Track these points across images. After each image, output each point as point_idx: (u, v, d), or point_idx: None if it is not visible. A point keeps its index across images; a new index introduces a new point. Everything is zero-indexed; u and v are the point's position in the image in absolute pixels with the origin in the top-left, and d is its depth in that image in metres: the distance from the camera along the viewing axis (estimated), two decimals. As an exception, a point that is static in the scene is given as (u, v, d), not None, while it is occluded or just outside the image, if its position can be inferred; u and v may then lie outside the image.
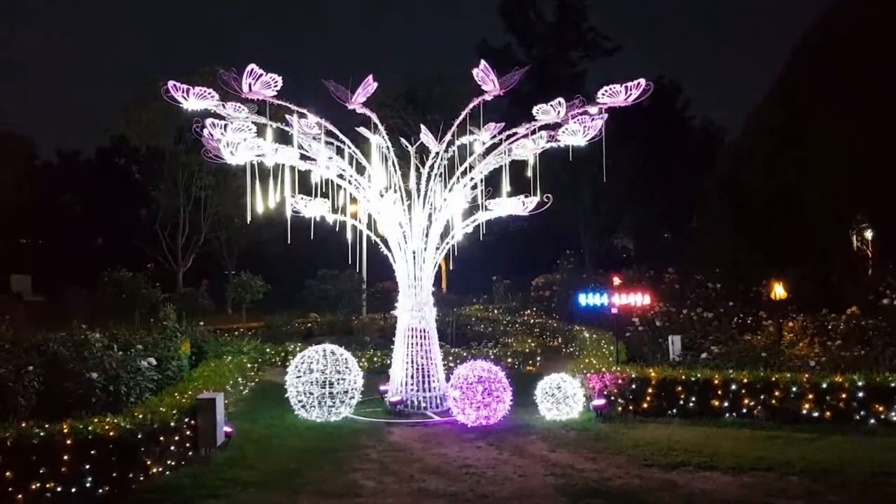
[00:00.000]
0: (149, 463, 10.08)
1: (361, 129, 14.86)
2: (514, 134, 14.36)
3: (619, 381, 13.75)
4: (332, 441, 12.33)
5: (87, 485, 9.50)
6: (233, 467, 10.71)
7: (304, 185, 14.54)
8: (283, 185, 13.93)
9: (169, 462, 10.52)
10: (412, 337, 14.64)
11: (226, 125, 13.33)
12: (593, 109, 13.59)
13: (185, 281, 37.96)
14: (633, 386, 13.69)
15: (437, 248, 15.12)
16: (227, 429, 11.99)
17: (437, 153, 14.62)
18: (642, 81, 12.99)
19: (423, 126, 14.96)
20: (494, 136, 14.48)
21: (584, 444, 11.82)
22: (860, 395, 12.53)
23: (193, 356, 16.20)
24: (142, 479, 9.92)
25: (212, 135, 13.41)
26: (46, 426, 9.68)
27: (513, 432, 12.67)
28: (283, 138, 14.16)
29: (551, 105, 13.57)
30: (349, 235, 15.15)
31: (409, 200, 14.89)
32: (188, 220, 38.29)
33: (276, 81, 12.76)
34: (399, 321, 15.00)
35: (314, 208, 14.35)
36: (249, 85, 12.61)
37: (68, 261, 45.11)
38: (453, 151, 14.78)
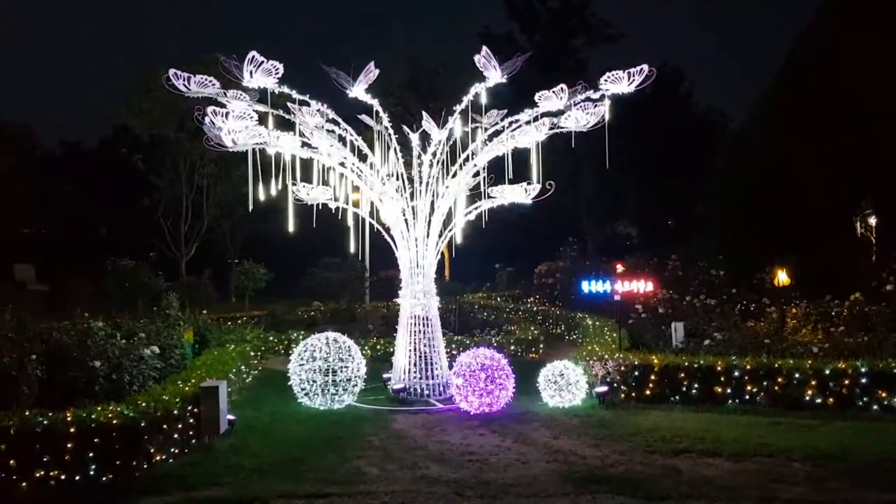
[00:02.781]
0: (152, 451, 10.10)
1: (363, 117, 14.82)
2: (517, 121, 14.31)
3: (622, 368, 13.76)
4: (335, 429, 12.35)
5: (91, 472, 9.54)
6: (236, 455, 10.74)
7: (306, 172, 14.51)
8: (285, 172, 13.91)
9: (172, 450, 10.55)
10: (415, 325, 14.65)
11: (227, 113, 13.29)
12: (596, 96, 13.54)
13: (188, 269, 37.98)
14: (636, 373, 13.69)
15: (440, 236, 15.11)
16: (231, 416, 12.02)
17: (440, 140, 14.59)
18: (645, 68, 12.93)
19: (424, 113, 14.93)
20: (496, 124, 14.44)
21: (586, 431, 11.83)
22: (863, 381, 12.53)
23: (196, 344, 16.21)
24: (145, 466, 9.94)
25: (213, 123, 13.37)
26: (50, 414, 9.72)
27: (516, 419, 12.69)
28: (286, 126, 14.13)
29: (553, 92, 13.52)
30: (351, 223, 15.15)
31: (411, 188, 14.87)
32: (191, 209, 38.28)
33: (278, 69, 12.72)
34: (402, 309, 15.00)
35: (316, 196, 14.33)
36: (251, 72, 12.56)
37: (71, 250, 45.13)
38: (455, 139, 14.74)
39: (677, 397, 13.43)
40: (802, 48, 26.08)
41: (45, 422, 9.55)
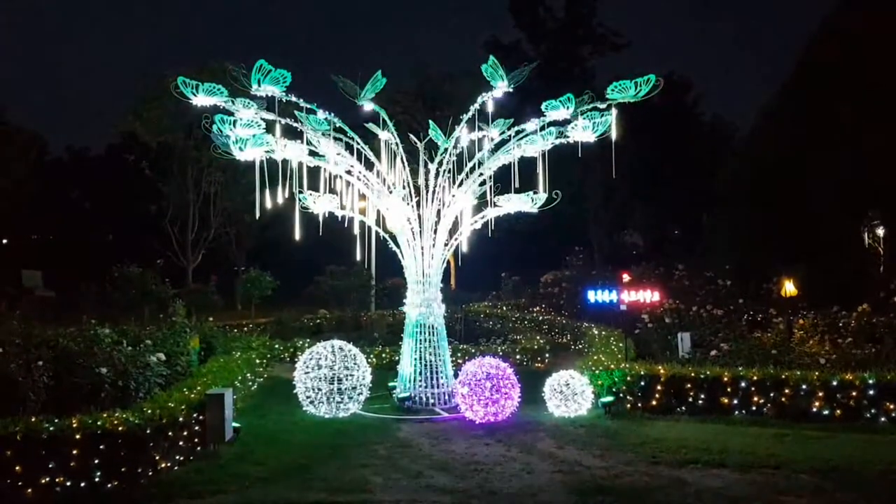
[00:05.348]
0: (157, 458, 10.11)
1: (370, 126, 14.85)
2: (523, 130, 14.32)
3: (628, 379, 13.72)
4: (340, 437, 12.34)
5: (96, 479, 9.55)
6: (241, 463, 10.74)
7: (313, 180, 14.54)
8: (292, 180, 13.93)
9: (177, 457, 10.56)
10: (421, 333, 14.64)
11: (235, 121, 13.33)
12: (602, 106, 13.53)
13: (195, 277, 38.02)
14: (642, 383, 13.65)
15: (446, 245, 15.10)
16: (236, 424, 12.02)
17: (446, 149, 14.60)
18: (652, 77, 12.92)
19: (431, 122, 14.95)
20: (503, 133, 14.45)
21: (592, 441, 11.79)
22: (870, 392, 12.47)
23: (202, 352, 16.22)
24: (150, 473, 9.95)
25: (221, 131, 13.41)
26: (56, 421, 9.73)
27: (521, 429, 12.65)
28: (293, 134, 14.16)
29: (560, 101, 13.52)
30: (358, 231, 15.16)
31: (417, 197, 14.87)
32: (198, 216, 38.34)
33: (285, 77, 12.76)
34: (407, 317, 14.99)
35: (323, 204, 14.35)
36: (258, 81, 12.60)
37: (78, 256, 45.32)
38: (462, 147, 14.76)
39: (683, 408, 13.38)
40: (809, 59, 26.04)
41: (50, 428, 9.56)
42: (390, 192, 14.62)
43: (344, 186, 14.85)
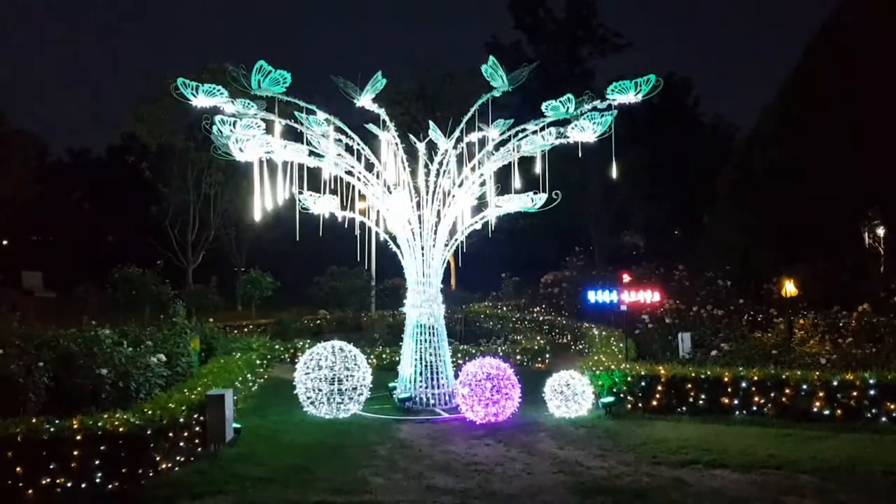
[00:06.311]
0: (158, 459, 10.12)
1: (370, 126, 14.85)
2: (524, 130, 14.33)
3: (629, 379, 13.73)
4: (340, 438, 12.34)
5: (97, 480, 9.56)
6: (241, 463, 10.74)
7: (313, 181, 14.54)
8: (292, 181, 13.93)
9: (178, 458, 10.56)
10: (421, 334, 14.64)
11: (235, 122, 13.33)
12: (602, 106, 13.54)
13: (195, 277, 37.99)
14: (643, 383, 13.65)
15: (446, 245, 15.10)
16: (236, 425, 12.02)
17: (446, 150, 14.61)
18: (652, 77, 12.93)
19: (431, 122, 14.95)
20: (503, 133, 14.45)
21: (592, 442, 11.79)
22: (871, 392, 12.47)
23: (203, 353, 16.23)
24: (151, 474, 9.96)
25: (221, 131, 13.41)
26: (56, 422, 9.75)
27: (521, 429, 12.65)
28: (293, 135, 14.16)
29: (560, 101, 13.53)
30: (358, 232, 15.16)
31: (417, 197, 14.88)
32: (198, 217, 38.31)
33: (285, 78, 12.76)
34: (408, 318, 14.99)
35: (323, 205, 14.35)
36: (258, 82, 12.60)
37: (79, 257, 45.32)
38: (462, 148, 14.76)
39: (684, 408, 13.39)
40: (809, 58, 26.03)
41: (51, 429, 9.58)
42: (390, 193, 14.62)
43: (344, 187, 14.84)
